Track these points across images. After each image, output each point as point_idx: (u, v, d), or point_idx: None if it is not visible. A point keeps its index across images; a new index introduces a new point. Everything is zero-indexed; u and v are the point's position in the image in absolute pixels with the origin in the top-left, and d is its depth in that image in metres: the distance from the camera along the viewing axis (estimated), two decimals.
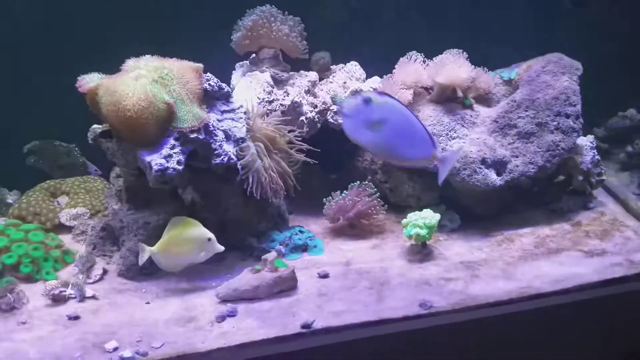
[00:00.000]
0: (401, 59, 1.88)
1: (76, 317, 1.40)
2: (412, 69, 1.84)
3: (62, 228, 1.83)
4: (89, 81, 1.47)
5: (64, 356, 1.26)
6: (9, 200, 2.02)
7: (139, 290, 1.53)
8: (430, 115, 1.85)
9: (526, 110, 1.86)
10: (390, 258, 1.68)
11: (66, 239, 1.76)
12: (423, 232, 1.65)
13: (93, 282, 1.55)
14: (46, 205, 1.86)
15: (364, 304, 1.45)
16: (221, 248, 1.53)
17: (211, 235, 1.51)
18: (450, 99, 1.89)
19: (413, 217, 1.67)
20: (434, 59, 1.88)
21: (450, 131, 1.83)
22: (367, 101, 1.35)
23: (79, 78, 1.49)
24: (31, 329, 1.36)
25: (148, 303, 1.48)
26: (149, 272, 1.59)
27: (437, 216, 1.68)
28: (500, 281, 1.53)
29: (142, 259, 1.50)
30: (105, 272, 1.59)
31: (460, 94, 1.89)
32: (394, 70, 1.88)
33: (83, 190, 1.92)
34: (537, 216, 1.88)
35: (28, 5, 1.99)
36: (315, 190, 1.96)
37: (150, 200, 1.63)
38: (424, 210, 1.69)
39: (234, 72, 2.02)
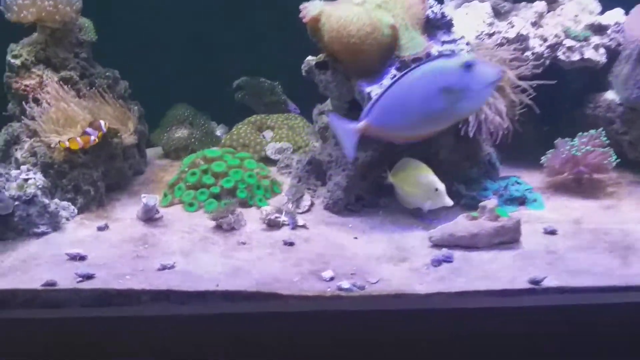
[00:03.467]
0: None
1: (291, 243, 1.41)
2: None
3: (266, 160, 1.90)
4: (312, 9, 1.44)
5: (283, 279, 1.27)
6: (217, 133, 2.15)
7: (345, 225, 1.51)
8: None
9: None
10: (633, 221, 1.44)
11: (271, 171, 1.81)
12: None
13: (302, 212, 1.57)
14: (254, 138, 1.93)
15: (605, 267, 1.24)
16: (450, 202, 1.42)
17: (440, 186, 1.41)
18: None
19: None
20: None
21: None
22: None
23: (301, 6, 1.46)
24: (251, 250, 1.40)
25: (356, 238, 1.44)
26: (354, 209, 1.57)
27: None
28: None
29: None
30: (312, 204, 1.60)
31: None
32: None
33: (286, 126, 1.96)
34: None
35: None
36: (525, 141, 1.74)
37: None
38: None
39: (445, 5, 1.85)
